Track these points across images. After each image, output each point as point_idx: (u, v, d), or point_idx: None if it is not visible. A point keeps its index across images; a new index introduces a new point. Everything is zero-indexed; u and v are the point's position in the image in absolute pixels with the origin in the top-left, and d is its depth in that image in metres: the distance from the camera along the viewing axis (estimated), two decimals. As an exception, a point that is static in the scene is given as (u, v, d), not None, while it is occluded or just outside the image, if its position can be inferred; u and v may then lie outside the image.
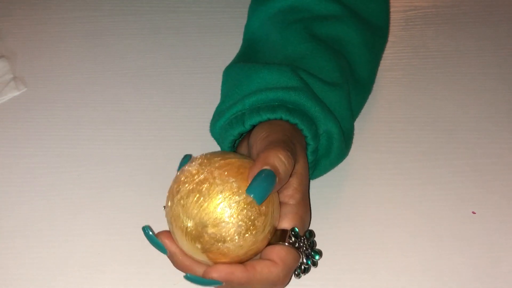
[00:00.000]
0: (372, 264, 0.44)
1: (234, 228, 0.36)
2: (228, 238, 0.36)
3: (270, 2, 0.53)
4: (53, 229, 0.47)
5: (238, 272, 0.37)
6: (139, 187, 0.49)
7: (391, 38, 0.60)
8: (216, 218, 0.36)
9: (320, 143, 0.45)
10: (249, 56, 0.53)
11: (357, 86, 0.50)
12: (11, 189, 0.49)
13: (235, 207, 0.36)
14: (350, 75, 0.49)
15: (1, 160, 0.52)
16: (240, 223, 0.36)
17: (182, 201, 0.36)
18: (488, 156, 0.52)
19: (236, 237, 0.36)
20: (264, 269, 0.38)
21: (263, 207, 0.37)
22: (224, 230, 0.36)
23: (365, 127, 0.53)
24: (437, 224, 0.47)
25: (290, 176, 0.40)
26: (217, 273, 0.36)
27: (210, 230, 0.36)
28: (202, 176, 0.37)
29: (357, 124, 0.52)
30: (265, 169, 0.37)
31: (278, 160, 0.38)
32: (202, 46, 0.62)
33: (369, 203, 0.48)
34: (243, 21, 0.57)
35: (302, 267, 0.40)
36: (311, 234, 0.40)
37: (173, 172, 0.40)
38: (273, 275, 0.38)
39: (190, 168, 0.38)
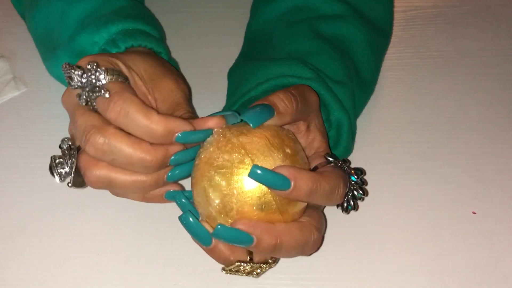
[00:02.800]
0: (372, 264, 0.44)
1: None
2: None
3: (274, 2, 0.53)
4: (53, 229, 0.46)
5: (305, 172, 0.35)
6: (139, 187, 0.49)
7: (391, 38, 0.60)
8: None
9: (330, 133, 0.45)
10: (252, 55, 0.52)
11: (360, 85, 0.50)
12: (11, 189, 0.49)
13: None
14: (355, 74, 0.49)
15: (1, 160, 0.52)
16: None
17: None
18: (488, 156, 0.52)
19: None
20: (324, 172, 0.37)
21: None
22: None
23: (365, 127, 0.53)
24: (437, 224, 0.47)
25: (309, 131, 0.41)
26: (286, 170, 0.35)
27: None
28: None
29: (357, 124, 0.52)
30: (262, 103, 0.37)
31: (277, 97, 0.38)
32: (202, 47, 0.62)
33: (369, 203, 0.48)
34: (243, 21, 0.57)
35: (354, 186, 0.41)
36: (346, 160, 0.41)
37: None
38: (335, 178, 0.37)
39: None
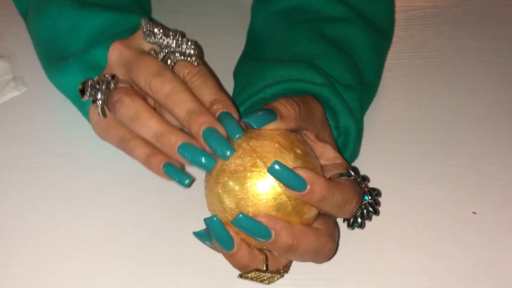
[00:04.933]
0: (372, 264, 0.44)
1: None
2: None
3: (274, 0, 0.53)
4: (53, 229, 0.47)
5: (323, 179, 0.35)
6: (139, 187, 0.49)
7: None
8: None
9: (338, 140, 0.45)
10: (257, 55, 0.52)
11: (364, 88, 0.50)
12: (11, 189, 0.49)
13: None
14: (359, 77, 0.49)
15: (1, 160, 0.52)
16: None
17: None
18: (488, 156, 0.52)
19: None
20: (341, 184, 0.37)
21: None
22: None
23: (365, 127, 0.53)
24: (437, 224, 0.47)
25: (319, 142, 0.41)
26: (305, 172, 0.35)
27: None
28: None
29: (357, 124, 0.53)
30: (264, 108, 0.38)
31: (278, 103, 0.38)
32: (202, 46, 0.62)
33: (369, 203, 0.48)
34: (243, 21, 0.57)
35: (365, 205, 0.41)
36: (366, 177, 0.41)
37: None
38: (350, 193, 0.37)
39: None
